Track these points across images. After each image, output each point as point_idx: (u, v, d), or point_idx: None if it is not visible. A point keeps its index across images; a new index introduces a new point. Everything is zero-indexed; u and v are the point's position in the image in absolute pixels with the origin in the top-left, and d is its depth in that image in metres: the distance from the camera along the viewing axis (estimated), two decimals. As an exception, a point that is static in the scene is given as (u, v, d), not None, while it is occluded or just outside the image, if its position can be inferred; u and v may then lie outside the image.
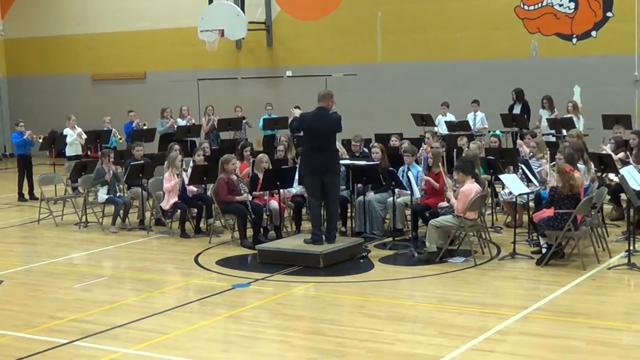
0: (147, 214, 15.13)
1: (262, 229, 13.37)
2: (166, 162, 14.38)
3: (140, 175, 14.80)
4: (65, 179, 16.80)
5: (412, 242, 12.80)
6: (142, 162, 15.37)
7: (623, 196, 13.28)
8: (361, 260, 12.04)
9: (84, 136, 19.39)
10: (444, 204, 12.32)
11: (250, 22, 23.61)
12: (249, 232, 13.34)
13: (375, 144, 14.76)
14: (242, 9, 23.70)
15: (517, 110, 19.71)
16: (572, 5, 21.11)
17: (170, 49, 26.24)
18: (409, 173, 13.02)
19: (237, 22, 22.98)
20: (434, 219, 11.97)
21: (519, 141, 16.48)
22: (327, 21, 23.56)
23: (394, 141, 16.06)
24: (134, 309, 9.97)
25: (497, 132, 18.27)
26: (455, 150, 14.38)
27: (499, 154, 14.55)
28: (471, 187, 11.77)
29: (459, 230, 11.82)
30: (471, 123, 19.38)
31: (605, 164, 13.48)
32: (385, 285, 10.91)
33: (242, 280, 11.11)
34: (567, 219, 11.05)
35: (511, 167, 14.18)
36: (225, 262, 12.24)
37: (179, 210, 14.07)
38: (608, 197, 13.72)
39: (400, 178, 12.98)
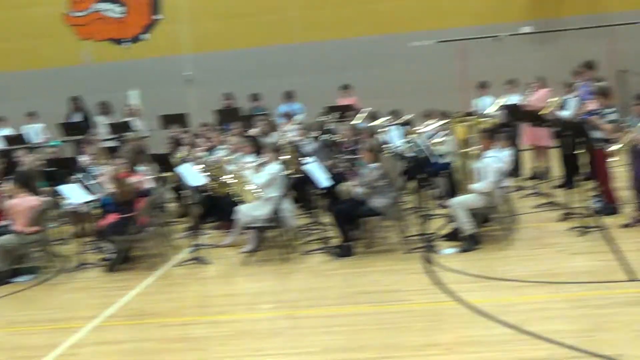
0: None
1: None
2: None
3: None
4: None
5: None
6: None
7: (185, 192, 13.56)
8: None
9: None
10: (4, 222, 11.74)
11: None
12: None
13: None
14: None
15: (77, 118, 19.38)
16: (120, 9, 21.22)
17: None
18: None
19: None
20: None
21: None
22: None
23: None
24: None
25: (57, 142, 17.83)
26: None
27: (59, 164, 14.16)
28: (21, 202, 11.36)
29: (21, 248, 11.34)
30: (30, 135, 18.69)
31: (164, 164, 13.64)
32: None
33: None
34: (132, 222, 11.05)
35: (73, 176, 13.87)
36: None
37: None
38: (172, 195, 13.96)
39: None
